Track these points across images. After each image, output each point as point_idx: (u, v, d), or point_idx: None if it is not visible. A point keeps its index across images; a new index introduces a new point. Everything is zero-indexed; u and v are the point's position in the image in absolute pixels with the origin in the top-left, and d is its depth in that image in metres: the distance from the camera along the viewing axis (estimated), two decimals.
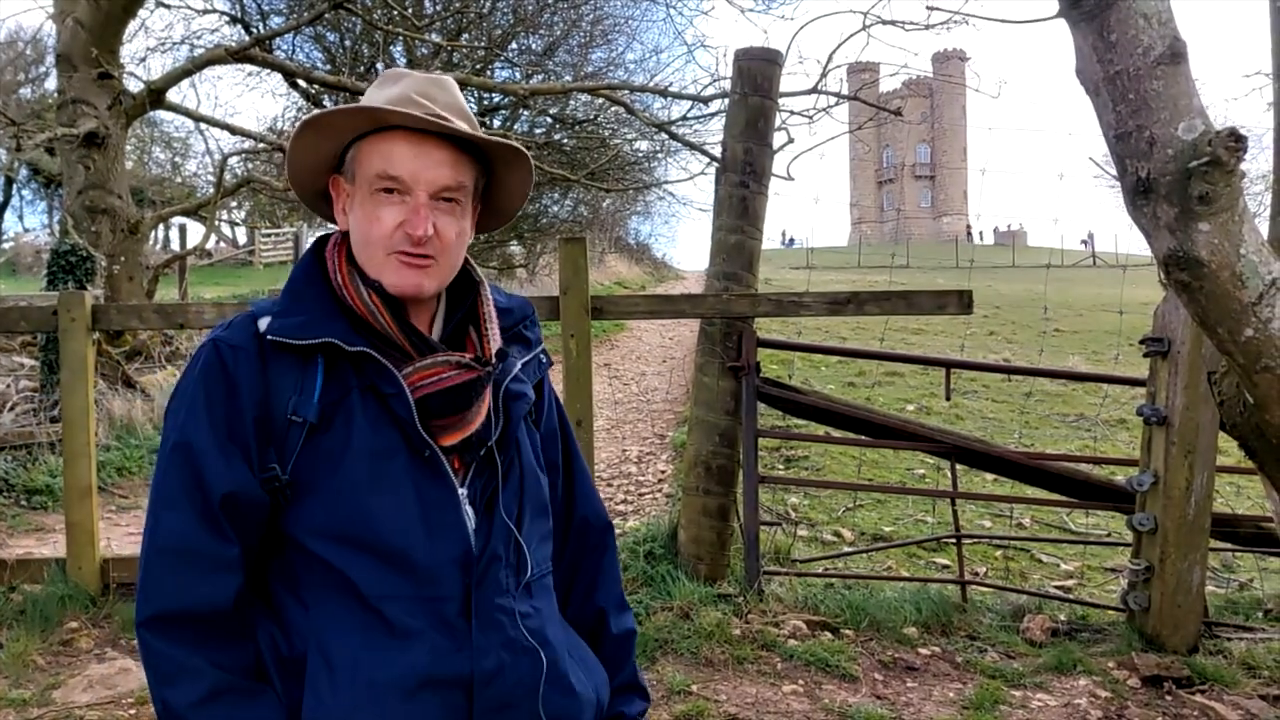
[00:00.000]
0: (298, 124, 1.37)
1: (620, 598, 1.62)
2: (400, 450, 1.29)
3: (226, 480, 1.26)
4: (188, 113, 10.92)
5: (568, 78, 14.53)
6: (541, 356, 1.51)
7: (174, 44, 12.41)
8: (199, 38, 12.28)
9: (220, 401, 1.28)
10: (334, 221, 1.44)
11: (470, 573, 1.31)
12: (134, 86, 9.16)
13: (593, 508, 1.61)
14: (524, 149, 1.42)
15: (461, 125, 1.33)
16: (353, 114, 1.33)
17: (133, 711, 3.60)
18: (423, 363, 1.32)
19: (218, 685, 1.22)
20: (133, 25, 9.55)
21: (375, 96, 1.36)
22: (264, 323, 1.32)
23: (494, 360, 1.39)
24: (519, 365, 1.42)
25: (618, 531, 6.08)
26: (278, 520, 1.30)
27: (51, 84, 15.51)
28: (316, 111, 1.37)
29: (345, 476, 1.27)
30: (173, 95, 9.78)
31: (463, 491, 1.33)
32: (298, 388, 1.29)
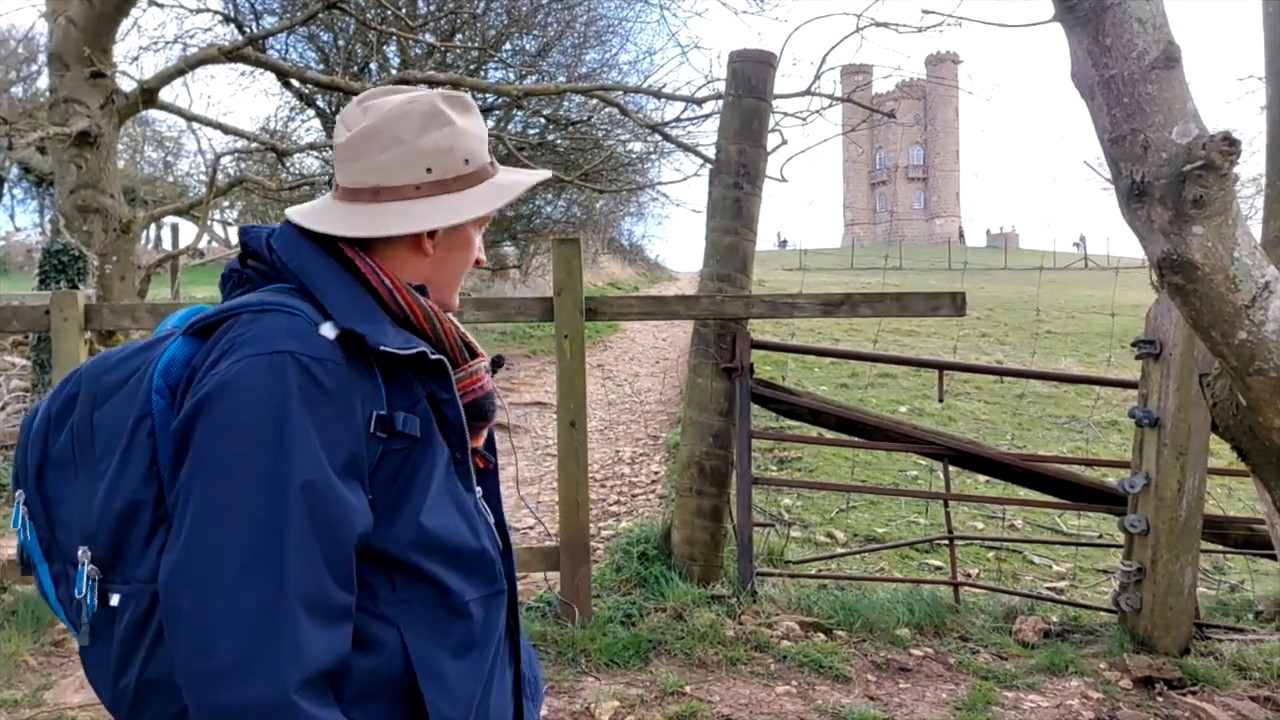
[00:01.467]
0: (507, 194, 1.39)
1: None
2: (448, 456, 1.31)
3: (360, 520, 1.15)
4: (180, 112, 10.87)
5: (561, 79, 14.53)
6: None
7: (167, 43, 12.38)
8: (192, 37, 12.25)
9: (333, 425, 1.14)
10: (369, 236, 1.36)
11: (509, 566, 1.38)
12: (126, 86, 9.13)
13: None
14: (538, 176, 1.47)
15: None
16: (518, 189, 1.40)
17: None
18: (470, 368, 1.37)
19: None
20: (125, 24, 9.51)
21: (482, 130, 1.38)
22: (329, 329, 1.19)
23: (495, 362, 1.46)
24: None
25: (611, 533, 6.09)
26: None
27: (43, 83, 15.48)
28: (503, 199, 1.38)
29: (427, 486, 1.25)
30: (165, 94, 9.76)
31: (478, 491, 1.38)
32: (373, 400, 1.21)
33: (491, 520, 1.39)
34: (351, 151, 1.30)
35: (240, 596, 1.06)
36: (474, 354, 1.41)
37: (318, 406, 1.13)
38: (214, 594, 1.07)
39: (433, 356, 1.26)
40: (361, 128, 1.29)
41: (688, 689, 3.73)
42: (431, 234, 1.33)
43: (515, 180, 1.39)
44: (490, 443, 1.46)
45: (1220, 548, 5.06)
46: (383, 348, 1.19)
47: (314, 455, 1.12)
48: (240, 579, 1.07)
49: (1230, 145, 1.40)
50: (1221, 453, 5.54)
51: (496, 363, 1.47)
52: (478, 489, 1.37)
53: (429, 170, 1.30)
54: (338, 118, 1.36)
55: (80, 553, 1.20)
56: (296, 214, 1.31)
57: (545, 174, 1.50)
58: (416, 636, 1.21)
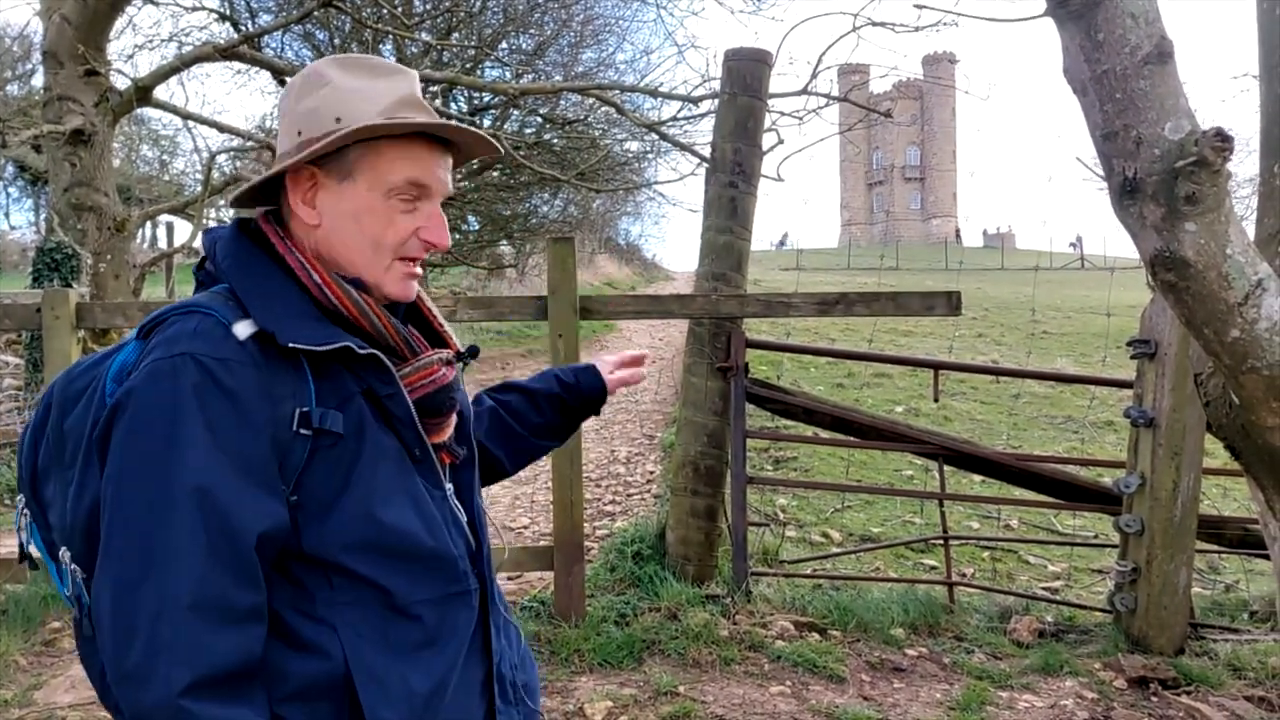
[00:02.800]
0: (350, 129, 1.24)
1: None
2: (400, 452, 1.27)
3: (259, 519, 1.13)
4: (176, 110, 10.85)
5: (558, 77, 14.52)
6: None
7: (162, 41, 12.36)
8: (187, 35, 12.22)
9: (229, 426, 1.13)
10: (252, 206, 1.35)
11: (479, 564, 1.35)
12: (121, 84, 9.11)
13: None
14: (495, 141, 1.39)
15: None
16: (406, 126, 1.27)
17: None
18: (420, 362, 1.31)
19: None
20: (120, 22, 9.50)
21: (376, 89, 1.27)
22: (242, 328, 1.18)
23: (465, 354, 1.42)
24: None
25: (605, 532, 6.08)
26: (288, 543, 1.20)
27: (38, 81, 15.44)
28: (378, 123, 1.25)
29: (364, 484, 1.22)
30: (160, 93, 9.73)
31: (449, 487, 1.34)
32: (295, 397, 1.18)
33: (464, 518, 1.35)
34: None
35: (140, 601, 1.08)
36: (443, 345, 1.38)
37: (215, 406, 1.13)
38: (120, 600, 1.09)
39: (361, 351, 1.22)
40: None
41: (681, 689, 3.72)
42: (312, 201, 1.28)
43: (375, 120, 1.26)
44: (464, 436, 1.41)
45: (1215, 548, 5.06)
46: (293, 344, 1.17)
47: (207, 457, 1.11)
48: (139, 584, 1.09)
49: (1223, 141, 1.39)
50: (1216, 452, 5.53)
51: (468, 354, 1.42)
52: (448, 485, 1.34)
53: (299, 134, 1.27)
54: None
55: (62, 553, 1.23)
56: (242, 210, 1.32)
57: (441, 122, 1.32)
58: (355, 638, 1.20)
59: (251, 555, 1.13)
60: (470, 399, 1.52)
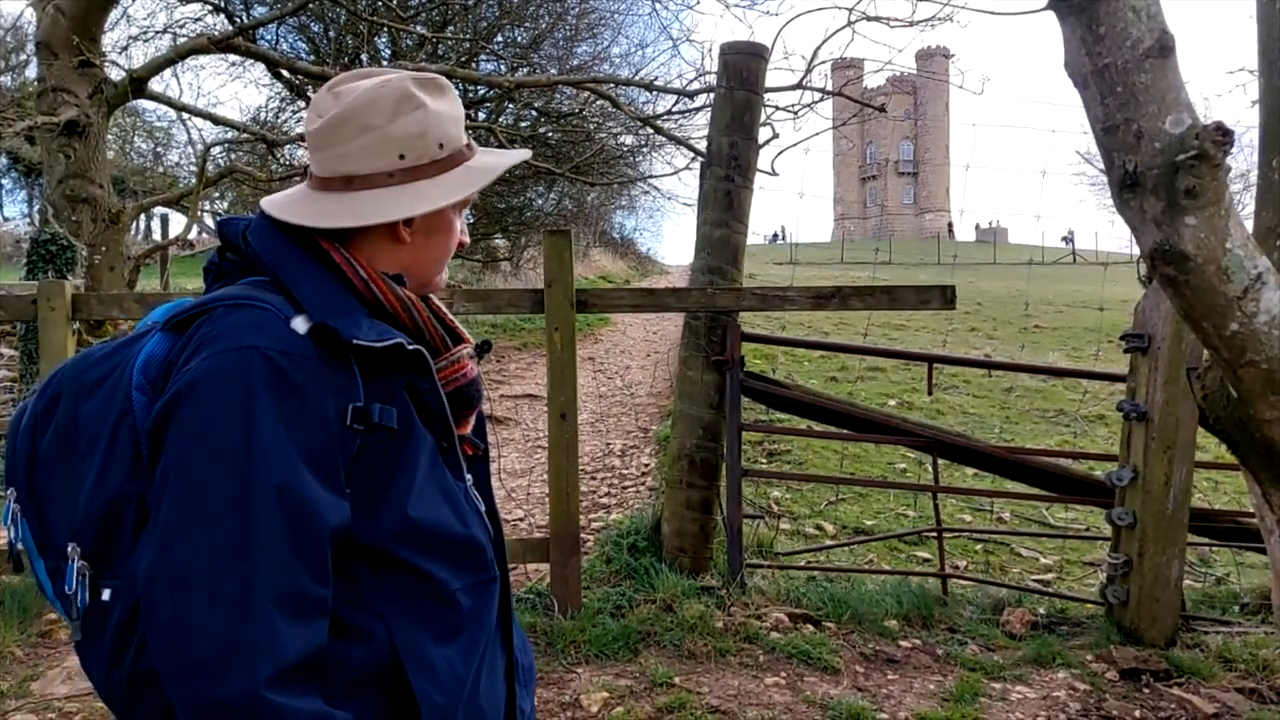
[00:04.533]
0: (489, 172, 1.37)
1: None
2: (434, 445, 1.30)
3: (334, 515, 1.14)
4: (170, 102, 10.81)
5: (553, 71, 14.49)
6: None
7: (156, 33, 12.31)
8: (181, 26, 12.17)
9: (301, 422, 1.13)
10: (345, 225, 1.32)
11: (500, 553, 1.38)
12: (115, 75, 9.07)
13: None
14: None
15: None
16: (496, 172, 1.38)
17: None
18: (452, 356, 1.35)
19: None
20: (114, 13, 9.46)
21: (459, 112, 1.35)
22: (299, 323, 1.18)
23: (480, 348, 1.45)
24: None
25: (601, 525, 6.09)
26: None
27: (32, 72, 15.37)
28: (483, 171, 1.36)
29: (406, 476, 1.23)
30: (155, 84, 9.69)
31: (469, 478, 1.37)
32: (349, 393, 1.19)
33: (482, 508, 1.38)
34: (323, 139, 1.27)
35: (214, 594, 1.07)
36: (459, 340, 1.39)
37: (286, 402, 1.12)
38: (189, 592, 1.07)
39: (410, 347, 1.24)
40: (333, 114, 1.26)
41: (677, 680, 3.74)
42: (409, 221, 1.30)
43: (492, 163, 1.36)
44: (480, 429, 1.45)
45: (1206, 540, 5.09)
46: (356, 341, 1.18)
47: (283, 452, 1.11)
48: (214, 576, 1.07)
49: (1223, 135, 1.40)
50: (1208, 446, 5.58)
51: (482, 348, 1.45)
52: (468, 476, 1.37)
53: (401, 156, 1.27)
54: (310, 104, 1.32)
55: (70, 549, 1.21)
56: (270, 204, 1.29)
57: (524, 154, 1.48)
58: (402, 625, 1.21)
59: (326, 550, 1.14)
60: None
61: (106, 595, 1.19)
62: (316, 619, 1.13)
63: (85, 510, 1.19)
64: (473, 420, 1.41)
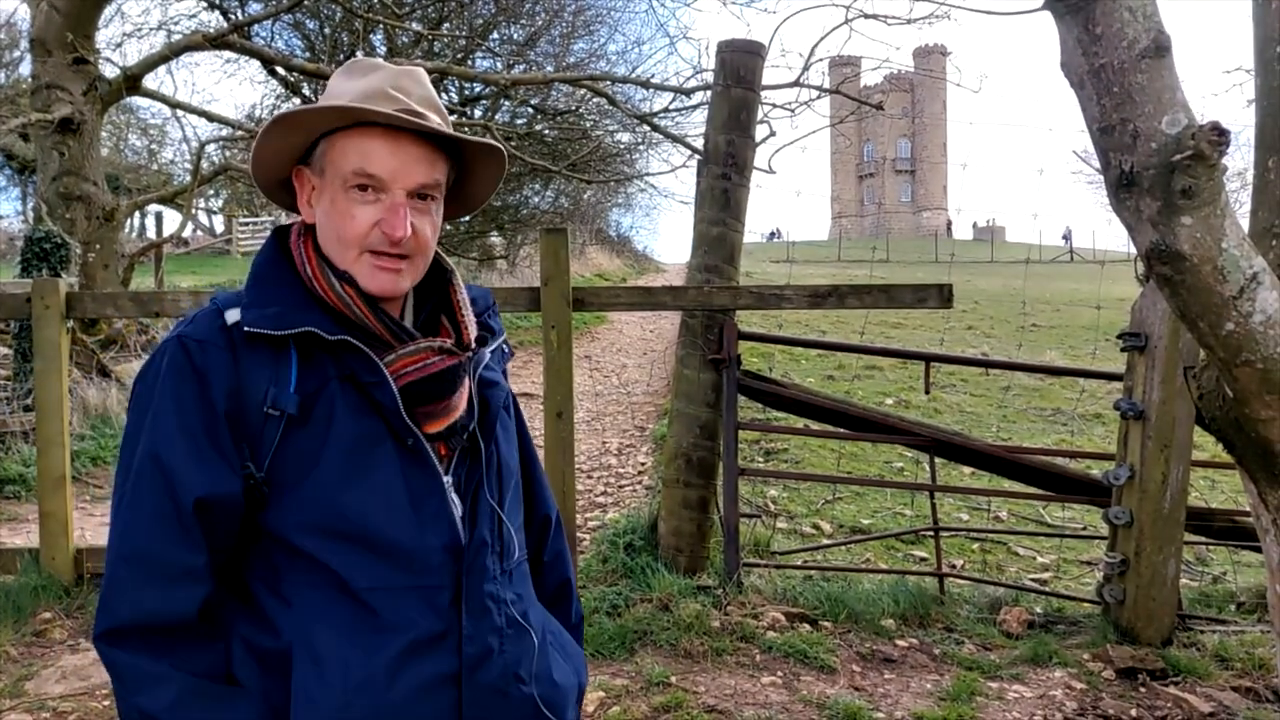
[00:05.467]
0: (269, 120, 1.31)
1: (575, 588, 1.68)
2: (384, 439, 1.27)
3: (199, 485, 1.21)
4: (164, 99, 10.79)
5: (549, 68, 14.47)
6: (504, 346, 1.52)
7: (151, 29, 12.30)
8: (176, 23, 12.18)
9: (191, 401, 1.23)
10: (296, 212, 1.40)
11: (460, 560, 1.31)
12: (110, 72, 9.05)
13: (552, 505, 1.65)
14: (499, 146, 1.40)
15: (437, 121, 1.31)
16: (327, 113, 1.28)
17: (106, 703, 3.56)
18: (405, 349, 1.31)
19: (185, 689, 1.21)
20: (108, 10, 9.43)
21: (345, 88, 1.30)
22: (232, 315, 1.27)
23: (475, 345, 1.39)
24: (488, 353, 1.43)
25: (597, 524, 6.08)
26: (255, 517, 1.26)
27: (26, 69, 15.31)
28: (289, 109, 1.32)
29: (329, 468, 1.24)
30: (149, 81, 9.67)
31: (448, 479, 1.32)
32: (273, 380, 1.24)
33: (459, 512, 1.32)
34: None
35: (108, 552, 1.25)
36: (439, 334, 1.37)
37: (185, 384, 1.24)
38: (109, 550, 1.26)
39: (330, 338, 1.26)
40: None
41: (673, 679, 3.73)
42: (308, 198, 1.36)
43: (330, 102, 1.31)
44: (487, 429, 1.39)
45: (1203, 539, 5.09)
46: (247, 328, 1.25)
47: (167, 428, 1.23)
48: (110, 536, 1.26)
49: (1219, 135, 1.40)
50: (1205, 445, 5.57)
51: (479, 341, 1.40)
52: (447, 477, 1.32)
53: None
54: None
55: None
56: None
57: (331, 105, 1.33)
58: (304, 617, 1.25)
59: (191, 518, 1.22)
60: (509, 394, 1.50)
61: None
62: (182, 584, 1.22)
63: None
64: (451, 418, 1.33)
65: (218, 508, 1.23)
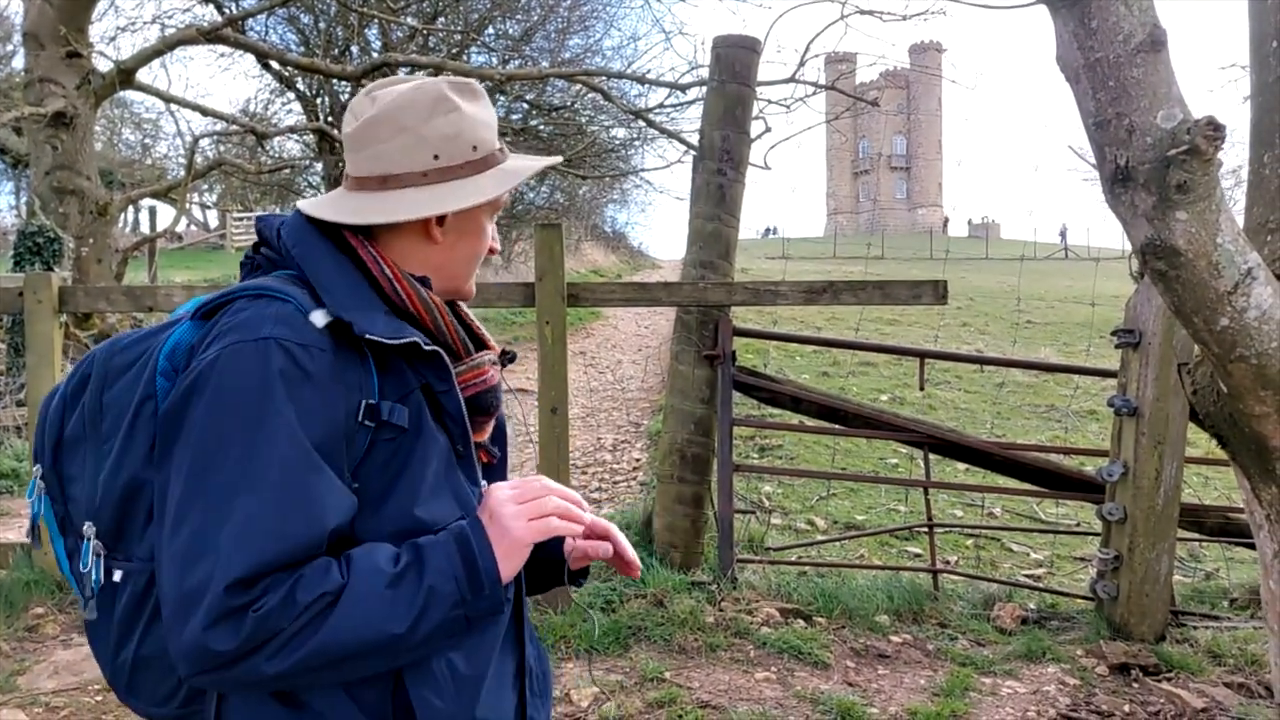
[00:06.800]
0: (532, 174, 1.40)
1: None
2: (448, 448, 1.28)
3: (338, 512, 1.14)
4: (158, 93, 10.75)
5: (545, 63, 14.46)
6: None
7: (144, 23, 12.28)
8: (170, 17, 12.13)
9: (313, 413, 1.13)
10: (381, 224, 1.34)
11: None
12: (103, 66, 9.02)
13: None
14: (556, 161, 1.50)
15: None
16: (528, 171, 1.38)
17: (99, 698, 3.56)
18: (473, 361, 1.34)
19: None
20: (102, 4, 9.40)
21: (485, 115, 1.35)
22: (320, 316, 1.18)
23: (504, 356, 1.44)
24: None
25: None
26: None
27: (19, 62, 15.25)
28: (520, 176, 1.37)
29: (413, 477, 1.23)
30: (143, 75, 9.64)
31: (483, 484, 1.34)
32: (363, 389, 1.19)
33: None
34: (359, 140, 1.29)
35: (201, 569, 1.08)
36: (484, 346, 1.39)
37: (299, 391, 1.12)
38: (197, 564, 1.07)
39: (427, 348, 1.23)
40: (368, 116, 1.28)
41: (667, 675, 3.73)
42: (441, 221, 1.31)
43: (524, 165, 1.37)
44: (499, 437, 1.43)
45: (1196, 536, 5.10)
46: (369, 336, 1.18)
47: (293, 442, 1.11)
48: (204, 555, 1.08)
49: (1215, 130, 1.40)
50: (1198, 441, 5.59)
51: (507, 357, 1.44)
52: (483, 483, 1.34)
53: (435, 157, 1.29)
54: (348, 107, 1.34)
55: (86, 528, 1.23)
56: (306, 204, 1.31)
57: (555, 159, 1.49)
58: None
59: (322, 533, 1.12)
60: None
61: (118, 576, 1.20)
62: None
63: (103, 491, 1.20)
64: (490, 427, 1.39)
65: (341, 530, 1.15)
